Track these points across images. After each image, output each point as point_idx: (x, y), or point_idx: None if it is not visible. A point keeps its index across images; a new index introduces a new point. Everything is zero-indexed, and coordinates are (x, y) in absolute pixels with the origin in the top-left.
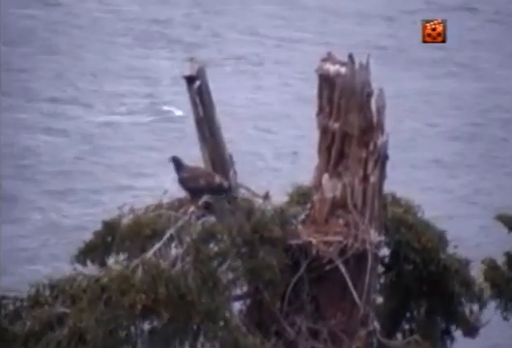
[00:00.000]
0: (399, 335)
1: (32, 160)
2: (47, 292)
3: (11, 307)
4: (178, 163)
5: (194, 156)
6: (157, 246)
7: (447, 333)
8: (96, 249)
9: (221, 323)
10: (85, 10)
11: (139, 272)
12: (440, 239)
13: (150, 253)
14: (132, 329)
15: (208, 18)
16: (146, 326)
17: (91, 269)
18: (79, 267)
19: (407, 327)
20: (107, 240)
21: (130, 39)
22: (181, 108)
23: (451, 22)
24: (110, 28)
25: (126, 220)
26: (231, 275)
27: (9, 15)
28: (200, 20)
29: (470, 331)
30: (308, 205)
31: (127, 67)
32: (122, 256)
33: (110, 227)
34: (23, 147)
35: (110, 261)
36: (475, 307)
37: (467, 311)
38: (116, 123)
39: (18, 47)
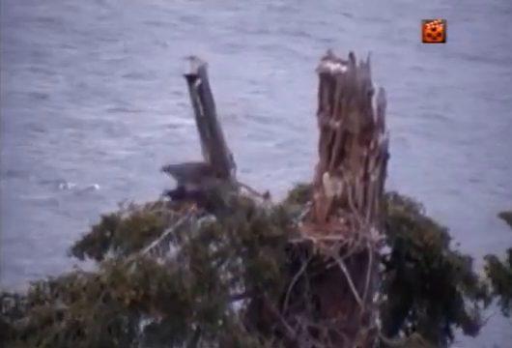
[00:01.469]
0: (402, 334)
1: (97, 159)
2: (47, 290)
3: (12, 305)
4: (175, 170)
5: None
6: (155, 243)
7: (447, 331)
8: (93, 244)
9: (220, 322)
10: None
11: (133, 267)
12: (443, 236)
13: (146, 250)
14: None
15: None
16: (144, 323)
17: (89, 264)
18: (79, 264)
19: (409, 325)
20: (105, 235)
21: (192, 39)
22: None
23: None
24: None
25: (125, 216)
26: (230, 275)
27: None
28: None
29: (471, 329)
30: (309, 204)
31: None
32: (119, 251)
33: (109, 222)
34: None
35: (107, 256)
36: (478, 305)
37: (468, 309)
38: (178, 124)
39: (85, 48)
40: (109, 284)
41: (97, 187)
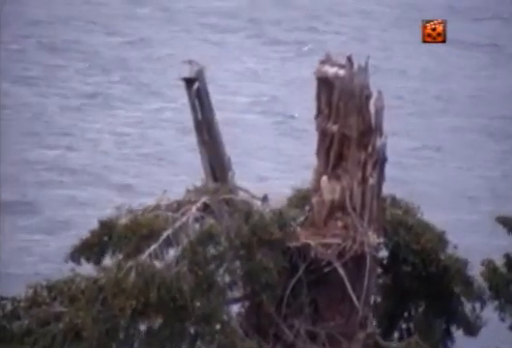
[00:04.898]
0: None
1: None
2: (45, 293)
3: (9, 308)
4: None
5: None
6: (153, 247)
7: (448, 333)
8: (92, 248)
9: (218, 326)
10: None
11: (132, 275)
12: (440, 239)
13: (145, 255)
14: (129, 329)
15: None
16: (143, 327)
17: (86, 268)
18: (76, 267)
19: (404, 327)
20: (103, 239)
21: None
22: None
23: None
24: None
25: (123, 220)
26: (228, 278)
27: None
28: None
29: (472, 330)
30: (307, 207)
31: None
32: (118, 255)
33: (107, 227)
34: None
35: (106, 260)
36: (476, 307)
37: (468, 310)
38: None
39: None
40: (110, 294)
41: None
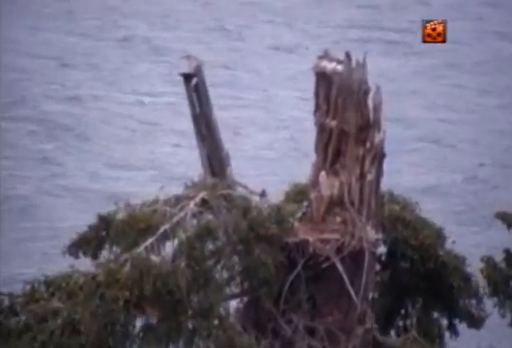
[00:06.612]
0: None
1: None
2: (43, 289)
3: (6, 303)
4: None
5: None
6: (150, 240)
7: (451, 327)
8: (89, 243)
9: (215, 321)
10: None
11: (127, 266)
12: (438, 236)
13: (141, 248)
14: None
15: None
16: (140, 322)
17: (84, 262)
18: (75, 263)
19: (401, 324)
20: (101, 234)
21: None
22: None
23: None
24: None
25: (121, 215)
26: (226, 274)
27: None
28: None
29: (475, 323)
30: (305, 203)
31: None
32: (115, 250)
33: (105, 221)
34: None
35: (103, 255)
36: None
37: (471, 304)
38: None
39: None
40: (104, 284)
41: None
